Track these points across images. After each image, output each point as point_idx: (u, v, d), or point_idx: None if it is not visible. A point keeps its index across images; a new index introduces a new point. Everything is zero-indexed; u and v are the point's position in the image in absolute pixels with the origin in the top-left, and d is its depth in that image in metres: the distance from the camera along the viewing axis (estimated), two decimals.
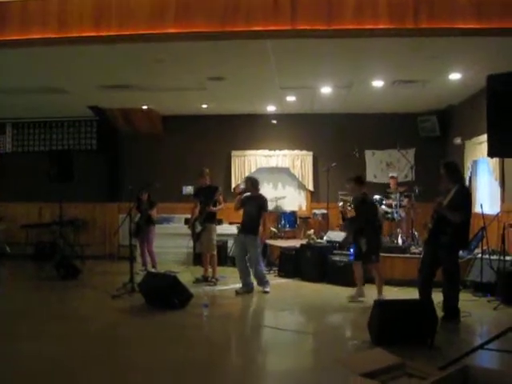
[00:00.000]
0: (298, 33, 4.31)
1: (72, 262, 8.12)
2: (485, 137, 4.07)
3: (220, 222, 8.70)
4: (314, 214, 9.84)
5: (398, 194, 8.40)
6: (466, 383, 2.62)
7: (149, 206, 8.31)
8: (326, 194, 9.51)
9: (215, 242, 7.67)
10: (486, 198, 8.09)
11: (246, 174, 9.88)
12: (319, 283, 7.50)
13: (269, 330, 5.30)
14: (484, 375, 2.68)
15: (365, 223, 6.25)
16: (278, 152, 10.47)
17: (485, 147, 4.01)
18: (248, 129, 10.38)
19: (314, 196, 10.51)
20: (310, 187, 10.45)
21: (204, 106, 9.61)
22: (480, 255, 6.55)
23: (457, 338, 4.86)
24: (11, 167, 10.73)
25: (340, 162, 9.54)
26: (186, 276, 7.42)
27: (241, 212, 7.14)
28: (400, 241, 8.03)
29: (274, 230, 9.79)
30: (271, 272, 8.36)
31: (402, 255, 7.36)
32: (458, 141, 8.90)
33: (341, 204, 8.05)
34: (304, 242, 8.39)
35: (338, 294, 6.70)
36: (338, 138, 10.06)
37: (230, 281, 7.59)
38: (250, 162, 10.50)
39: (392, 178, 9.08)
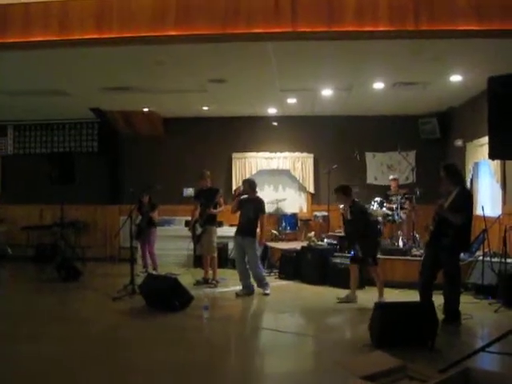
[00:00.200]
0: (298, 35, 4.32)
1: (73, 263, 8.12)
2: (486, 139, 4.07)
3: (220, 224, 8.70)
4: (315, 216, 9.84)
5: (398, 197, 8.39)
6: None
7: (150, 208, 8.31)
8: (326, 196, 9.50)
9: (215, 244, 7.66)
10: (487, 201, 8.08)
11: (247, 177, 9.88)
12: (320, 285, 7.48)
13: (269, 332, 5.31)
14: (485, 378, 2.67)
15: (363, 229, 6.27)
16: (278, 154, 10.47)
17: (486, 149, 4.01)
18: (249, 131, 10.39)
19: (315, 198, 10.50)
20: (311, 189, 10.45)
21: (205, 108, 9.61)
22: (481, 257, 6.53)
23: (458, 340, 4.85)
24: (12, 169, 10.77)
25: (341, 165, 9.55)
26: (187, 278, 7.41)
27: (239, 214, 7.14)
28: (401, 243, 8.02)
29: (274, 232, 9.78)
30: (272, 274, 8.36)
31: (402, 257, 7.36)
32: (459, 143, 8.89)
33: (342, 206, 8.03)
34: (305, 244, 8.39)
35: (339, 296, 6.68)
36: (338, 140, 10.06)
37: (230, 283, 7.59)
38: (250, 164, 10.51)
39: (393, 180, 9.07)
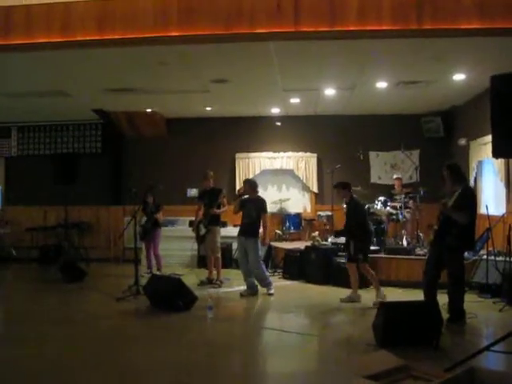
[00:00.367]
0: (301, 35, 4.33)
1: (77, 264, 8.15)
2: (490, 137, 4.04)
3: (224, 225, 8.70)
4: (319, 215, 9.83)
5: (402, 196, 8.38)
6: None
7: (155, 208, 8.31)
8: (330, 195, 9.47)
9: (219, 244, 7.67)
10: (491, 199, 8.04)
11: (251, 177, 9.88)
12: (324, 285, 7.47)
13: (273, 332, 5.31)
14: (490, 377, 2.66)
15: (355, 225, 6.27)
16: (282, 154, 10.47)
17: (490, 148, 3.98)
18: (252, 131, 10.39)
19: (319, 198, 10.50)
20: (315, 189, 10.44)
21: (208, 108, 9.62)
22: (485, 256, 6.52)
23: (462, 339, 4.84)
24: (16, 171, 10.81)
25: (344, 164, 9.52)
26: (191, 278, 7.43)
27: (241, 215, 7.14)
28: (405, 242, 8.00)
29: (278, 232, 9.79)
30: (276, 274, 8.36)
31: (406, 257, 7.35)
32: (462, 141, 8.87)
33: (345, 206, 8.02)
34: (309, 243, 8.38)
35: (342, 297, 6.67)
36: (341, 140, 10.05)
37: (234, 283, 7.59)
38: (254, 164, 10.50)
39: (397, 179, 9.06)
